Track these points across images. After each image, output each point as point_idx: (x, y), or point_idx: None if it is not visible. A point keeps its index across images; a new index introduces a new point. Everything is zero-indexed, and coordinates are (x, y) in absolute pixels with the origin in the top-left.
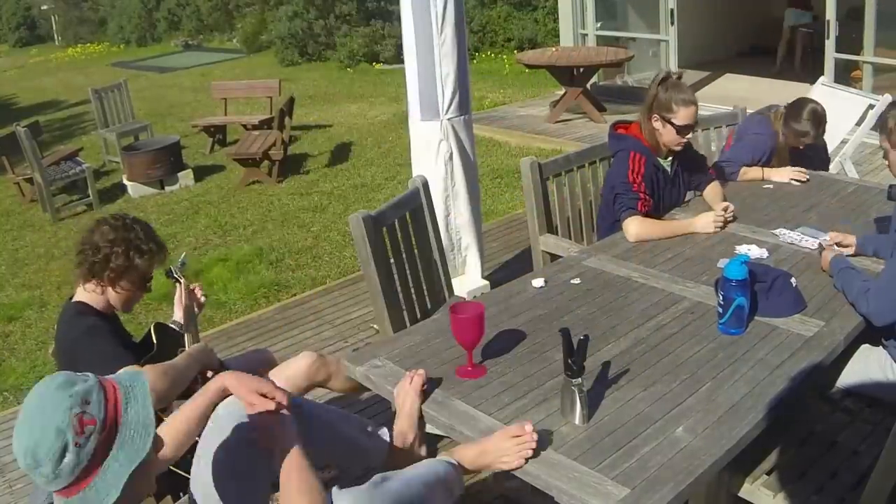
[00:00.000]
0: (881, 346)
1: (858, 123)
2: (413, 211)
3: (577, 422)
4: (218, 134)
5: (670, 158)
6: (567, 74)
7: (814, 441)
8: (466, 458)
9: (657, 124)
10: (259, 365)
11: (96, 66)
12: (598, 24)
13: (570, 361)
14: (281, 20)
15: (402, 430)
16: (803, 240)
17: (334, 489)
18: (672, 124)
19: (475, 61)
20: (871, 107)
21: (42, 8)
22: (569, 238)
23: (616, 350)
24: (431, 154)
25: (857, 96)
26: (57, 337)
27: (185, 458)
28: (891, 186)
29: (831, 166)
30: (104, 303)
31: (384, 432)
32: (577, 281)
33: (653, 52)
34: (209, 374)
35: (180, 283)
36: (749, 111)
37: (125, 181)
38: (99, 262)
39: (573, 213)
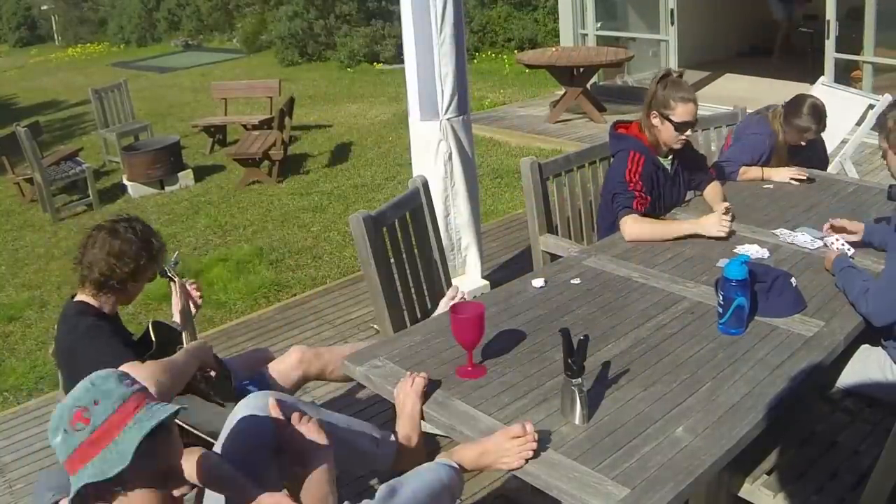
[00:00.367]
0: (881, 347)
1: (858, 123)
2: (413, 211)
3: (577, 422)
4: (218, 134)
5: (671, 157)
6: (567, 74)
7: (814, 441)
8: (467, 459)
9: (656, 121)
10: (258, 362)
11: (96, 67)
12: (598, 24)
13: (570, 361)
14: (281, 20)
15: (406, 433)
16: (804, 240)
17: None
18: (670, 121)
19: (475, 61)
20: (871, 107)
21: (42, 8)
22: (569, 238)
23: (616, 350)
24: (431, 154)
25: (857, 96)
26: (57, 337)
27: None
28: (891, 186)
29: (831, 166)
30: (105, 303)
31: (391, 439)
32: (577, 281)
33: (653, 52)
34: (210, 371)
35: (174, 281)
36: (749, 111)
37: (125, 181)
38: (103, 277)
39: (573, 213)
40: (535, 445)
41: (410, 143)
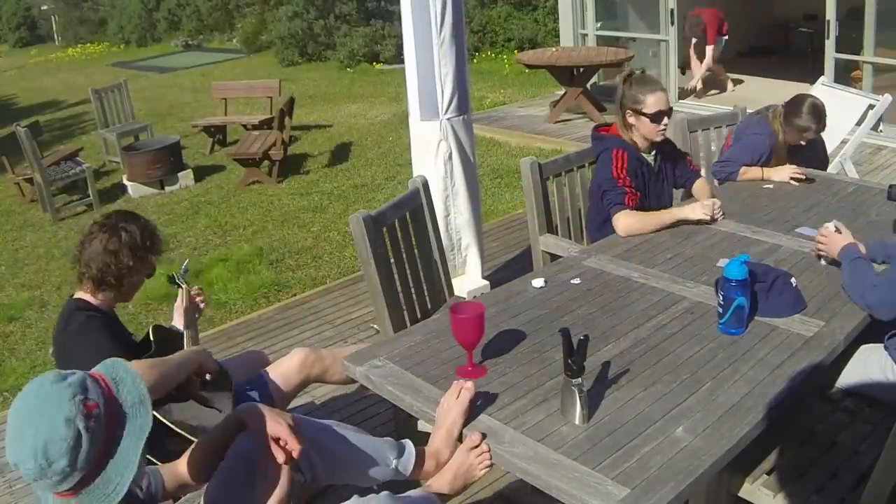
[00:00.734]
0: (881, 347)
1: (858, 123)
2: (413, 211)
3: (577, 422)
4: (218, 134)
5: (653, 153)
6: (567, 74)
7: (814, 441)
8: (444, 488)
9: (631, 119)
10: (254, 365)
11: (96, 67)
12: (598, 24)
13: (570, 361)
14: (281, 20)
15: (437, 448)
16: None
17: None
18: (644, 115)
19: (475, 61)
20: (871, 107)
21: (42, 8)
22: (569, 238)
23: (616, 350)
24: (431, 154)
25: (857, 96)
26: (54, 334)
27: None
28: (891, 186)
29: (831, 166)
30: (104, 299)
31: (408, 462)
32: (577, 281)
33: (653, 52)
34: (207, 376)
35: (183, 288)
36: (749, 111)
37: (125, 181)
38: (101, 274)
39: (573, 213)
40: (488, 450)
41: (410, 143)
